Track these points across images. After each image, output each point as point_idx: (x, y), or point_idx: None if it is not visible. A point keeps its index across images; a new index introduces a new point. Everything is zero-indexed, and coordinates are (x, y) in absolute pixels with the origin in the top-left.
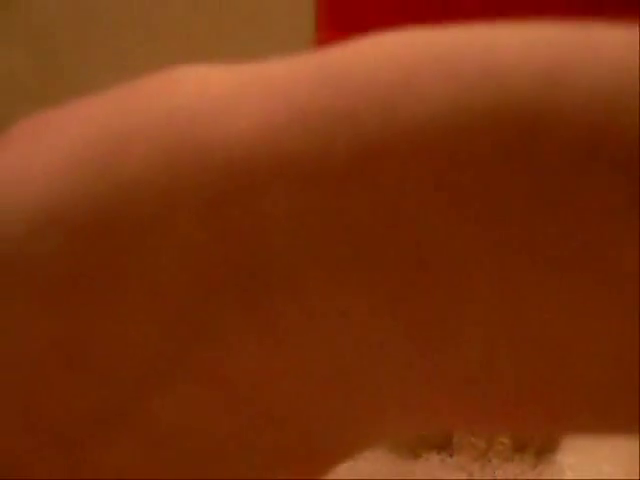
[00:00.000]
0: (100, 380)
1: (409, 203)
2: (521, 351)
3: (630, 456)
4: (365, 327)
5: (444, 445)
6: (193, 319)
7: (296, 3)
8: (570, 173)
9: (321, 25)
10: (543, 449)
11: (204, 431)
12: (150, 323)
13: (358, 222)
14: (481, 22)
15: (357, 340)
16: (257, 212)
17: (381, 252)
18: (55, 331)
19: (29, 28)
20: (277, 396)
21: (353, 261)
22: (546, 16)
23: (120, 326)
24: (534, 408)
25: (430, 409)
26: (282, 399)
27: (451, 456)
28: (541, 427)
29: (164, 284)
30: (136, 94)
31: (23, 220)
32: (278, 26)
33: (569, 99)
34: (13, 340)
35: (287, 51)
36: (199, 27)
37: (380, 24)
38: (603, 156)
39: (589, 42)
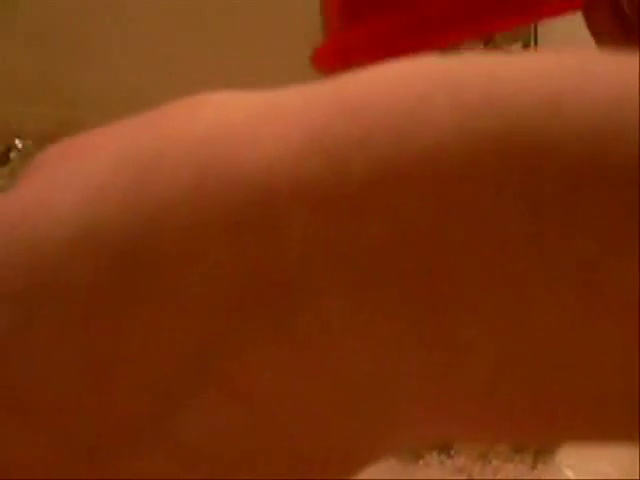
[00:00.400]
0: (127, 396)
1: (420, 226)
2: (528, 363)
3: (629, 457)
4: (381, 343)
5: (444, 446)
6: (217, 336)
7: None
8: (571, 197)
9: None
10: (542, 450)
11: (225, 442)
12: (176, 340)
13: (373, 244)
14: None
15: (373, 355)
16: (278, 234)
17: (395, 272)
18: (84, 350)
19: (29, 28)
20: (296, 409)
21: (369, 281)
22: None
23: (147, 343)
24: (539, 418)
25: (442, 421)
26: (301, 412)
27: (451, 457)
28: (544, 436)
29: (190, 301)
30: (162, 121)
31: (56, 245)
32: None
33: (569, 128)
34: (44, 360)
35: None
36: (201, 26)
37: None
38: (602, 182)
39: (589, 71)
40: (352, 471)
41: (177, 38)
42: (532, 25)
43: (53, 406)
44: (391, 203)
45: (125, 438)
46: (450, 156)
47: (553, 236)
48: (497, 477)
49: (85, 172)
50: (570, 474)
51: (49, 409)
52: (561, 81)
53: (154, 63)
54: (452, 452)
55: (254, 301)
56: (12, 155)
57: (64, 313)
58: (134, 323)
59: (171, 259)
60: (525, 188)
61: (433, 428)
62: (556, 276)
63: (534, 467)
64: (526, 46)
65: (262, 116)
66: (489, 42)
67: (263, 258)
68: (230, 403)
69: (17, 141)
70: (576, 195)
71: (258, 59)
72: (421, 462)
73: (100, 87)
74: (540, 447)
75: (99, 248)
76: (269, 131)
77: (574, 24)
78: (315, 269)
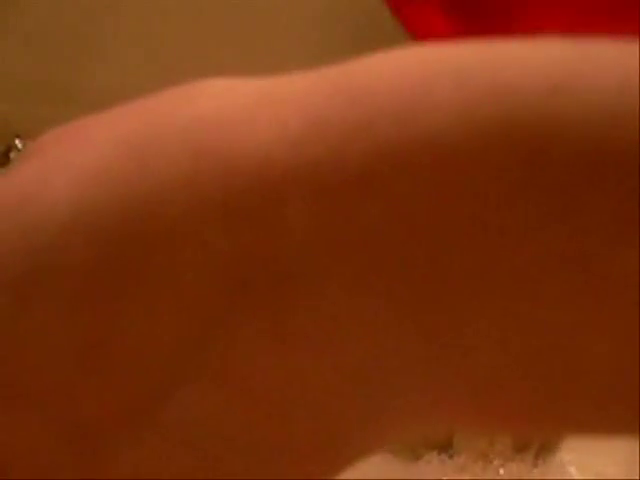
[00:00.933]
0: (122, 380)
1: (422, 211)
2: (531, 354)
3: (630, 456)
4: (381, 331)
5: (445, 445)
6: (212, 321)
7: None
8: (576, 183)
9: None
10: (543, 449)
11: (219, 428)
12: (171, 324)
13: (374, 230)
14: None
15: (372, 343)
16: (276, 220)
17: (396, 259)
18: (79, 336)
19: (29, 28)
20: (290, 396)
21: (370, 267)
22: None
23: (142, 327)
24: (544, 407)
25: (441, 412)
26: (295, 399)
27: (452, 456)
28: (545, 429)
29: (185, 287)
30: (159, 106)
31: (50, 231)
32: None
33: (572, 115)
34: (39, 346)
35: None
36: (203, 27)
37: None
38: (605, 168)
39: (591, 58)
40: (350, 460)
41: (179, 39)
42: None
43: (48, 391)
44: (392, 188)
45: (120, 422)
46: (453, 141)
47: (556, 222)
48: (498, 476)
49: (80, 158)
50: (571, 473)
51: (44, 394)
52: (564, 68)
53: (155, 63)
54: (452, 451)
55: (252, 287)
56: (12, 155)
57: (59, 297)
58: (129, 307)
59: (167, 245)
60: (528, 174)
61: (436, 417)
62: (561, 262)
63: (535, 466)
64: None
65: (261, 101)
66: None
67: (261, 245)
68: (227, 388)
69: (17, 141)
70: (579, 181)
71: (262, 61)
72: (422, 461)
73: (100, 87)
74: (541, 446)
75: (94, 232)
76: (268, 116)
77: None
78: (315, 256)
